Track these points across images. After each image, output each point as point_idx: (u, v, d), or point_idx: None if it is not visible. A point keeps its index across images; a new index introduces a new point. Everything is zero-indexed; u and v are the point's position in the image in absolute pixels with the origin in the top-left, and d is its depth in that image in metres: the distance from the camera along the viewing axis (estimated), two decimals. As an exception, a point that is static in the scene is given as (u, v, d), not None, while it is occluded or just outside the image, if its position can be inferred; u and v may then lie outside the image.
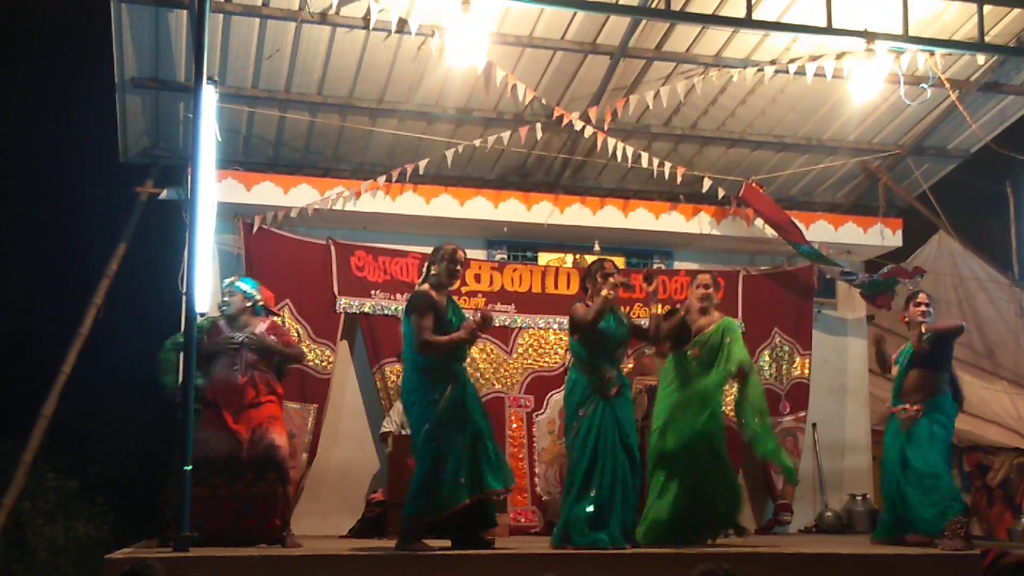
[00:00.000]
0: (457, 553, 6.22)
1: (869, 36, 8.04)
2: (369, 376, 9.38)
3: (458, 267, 6.73)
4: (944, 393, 7.50)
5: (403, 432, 8.43)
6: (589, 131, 9.13)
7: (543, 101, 9.07)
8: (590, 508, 6.65)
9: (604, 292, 6.83)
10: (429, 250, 9.48)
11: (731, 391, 8.03)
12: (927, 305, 7.62)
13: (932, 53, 8.72)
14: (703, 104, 9.69)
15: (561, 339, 9.56)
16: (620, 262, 10.23)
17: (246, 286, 7.12)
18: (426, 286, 6.66)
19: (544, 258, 10.11)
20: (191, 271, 6.43)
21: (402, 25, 8.09)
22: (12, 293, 12.73)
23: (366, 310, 9.34)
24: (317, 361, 9.21)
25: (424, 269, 6.87)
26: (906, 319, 7.76)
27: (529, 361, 9.72)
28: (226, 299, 7.08)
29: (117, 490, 11.34)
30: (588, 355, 6.95)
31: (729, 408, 8.39)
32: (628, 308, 9.93)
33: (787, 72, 8.97)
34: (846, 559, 6.60)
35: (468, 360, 9.31)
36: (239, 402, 6.85)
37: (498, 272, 9.76)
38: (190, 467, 6.09)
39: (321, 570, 5.87)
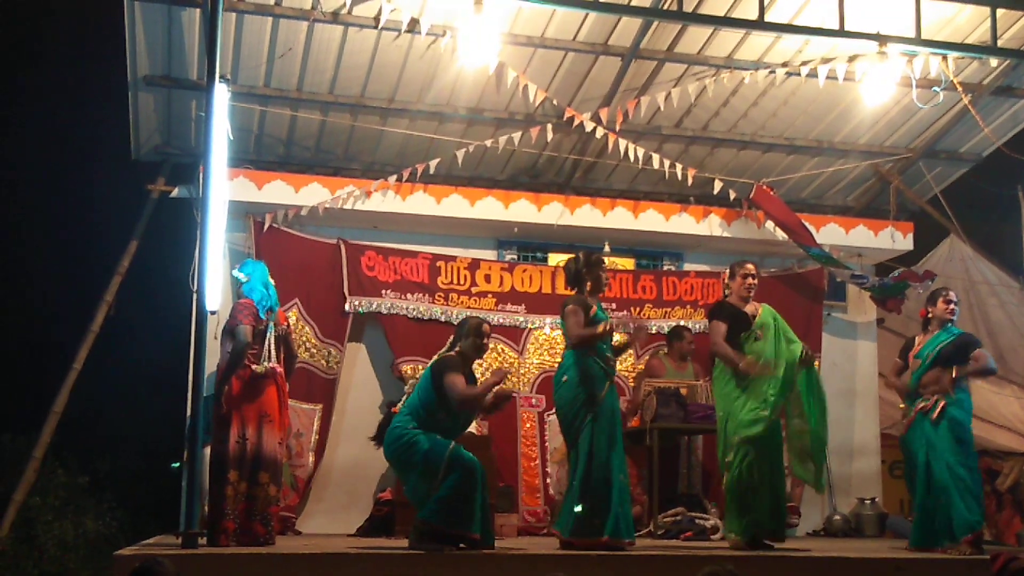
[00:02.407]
0: (466, 553, 6.21)
1: (881, 39, 8.03)
2: (375, 376, 9.42)
3: (484, 340, 6.64)
4: (963, 389, 7.46)
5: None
6: (600, 132, 9.13)
7: (554, 102, 9.08)
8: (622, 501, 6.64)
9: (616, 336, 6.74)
10: (439, 250, 9.63)
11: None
12: (957, 304, 7.61)
13: (945, 56, 8.70)
14: (714, 106, 9.68)
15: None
16: (630, 263, 10.26)
17: (237, 273, 7.08)
18: (453, 357, 6.53)
19: (554, 259, 10.09)
20: (202, 269, 6.45)
21: (414, 25, 8.11)
22: (24, 290, 12.79)
23: (383, 310, 9.34)
24: (324, 361, 9.23)
25: (450, 341, 6.71)
26: (929, 314, 7.67)
27: (540, 361, 9.72)
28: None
29: (126, 487, 11.37)
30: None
31: None
32: (638, 309, 9.96)
33: (799, 74, 8.96)
34: (853, 563, 6.58)
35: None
36: None
37: (508, 272, 9.77)
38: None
39: (330, 569, 5.88)
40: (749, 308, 7.22)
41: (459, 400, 6.34)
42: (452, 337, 6.71)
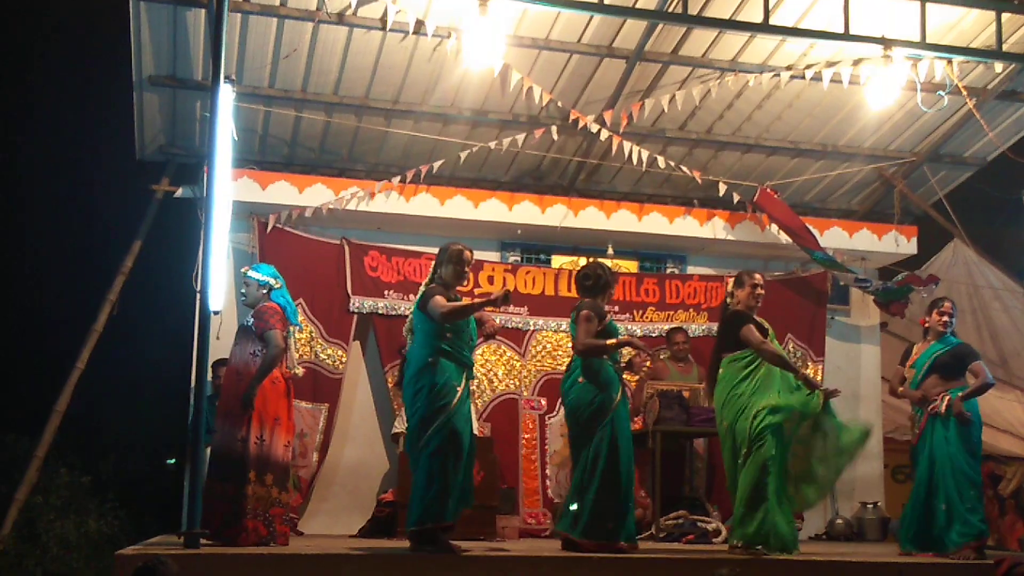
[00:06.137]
0: (467, 555, 6.21)
1: (886, 43, 8.02)
2: (381, 376, 9.41)
3: (465, 268, 6.58)
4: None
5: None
6: (604, 134, 9.14)
7: (559, 104, 9.08)
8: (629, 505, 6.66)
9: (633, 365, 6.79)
10: (442, 252, 9.60)
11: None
12: (951, 315, 7.56)
13: (949, 60, 8.69)
14: (719, 109, 9.68)
15: (574, 342, 9.55)
16: (633, 266, 10.26)
17: (258, 274, 6.99)
18: (433, 286, 6.50)
19: (557, 261, 10.11)
20: (206, 269, 6.44)
21: (419, 26, 8.10)
22: (28, 289, 12.80)
23: (380, 311, 9.36)
24: (329, 361, 9.24)
25: (431, 270, 6.67)
26: (927, 323, 7.67)
27: (542, 363, 9.73)
28: (243, 289, 7.07)
29: (129, 487, 11.37)
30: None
31: None
32: (641, 312, 9.96)
33: (804, 78, 8.96)
34: (857, 567, 6.58)
35: (482, 362, 9.39)
36: None
37: (511, 274, 9.77)
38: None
39: (331, 570, 5.88)
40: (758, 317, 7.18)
41: (441, 316, 6.27)
42: (433, 265, 6.64)
